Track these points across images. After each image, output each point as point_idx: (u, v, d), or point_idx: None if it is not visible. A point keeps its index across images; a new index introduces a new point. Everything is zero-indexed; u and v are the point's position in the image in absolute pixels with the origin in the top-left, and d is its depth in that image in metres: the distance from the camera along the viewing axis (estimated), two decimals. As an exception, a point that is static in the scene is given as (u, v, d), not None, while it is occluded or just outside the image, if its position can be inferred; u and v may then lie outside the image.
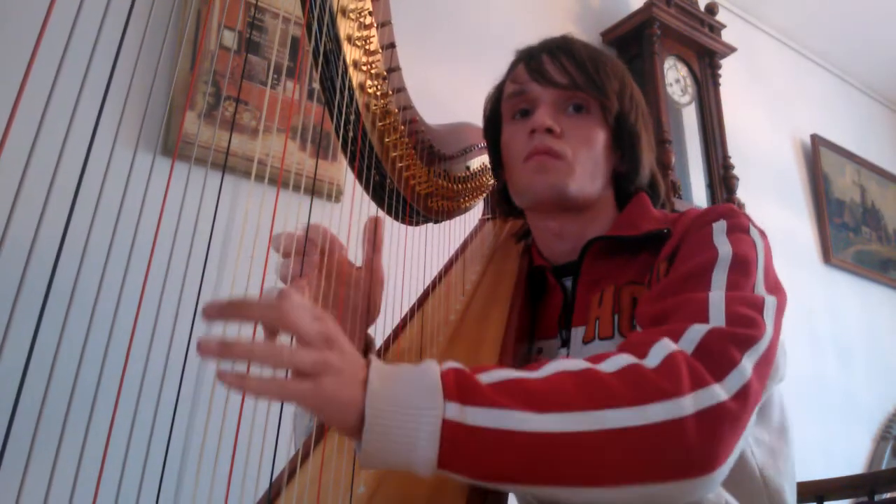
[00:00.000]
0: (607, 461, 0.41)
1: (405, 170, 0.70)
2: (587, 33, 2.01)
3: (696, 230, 0.60)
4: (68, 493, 0.38)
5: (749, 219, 0.61)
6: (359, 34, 0.61)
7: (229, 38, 1.23)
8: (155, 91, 1.13)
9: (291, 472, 0.56)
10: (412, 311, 0.75)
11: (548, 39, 0.72)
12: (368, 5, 0.62)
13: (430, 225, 0.80)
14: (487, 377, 0.44)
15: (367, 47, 0.62)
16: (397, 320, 0.75)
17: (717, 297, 0.51)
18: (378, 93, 0.64)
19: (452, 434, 0.40)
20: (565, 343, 0.66)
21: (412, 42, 1.09)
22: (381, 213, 0.71)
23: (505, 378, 0.44)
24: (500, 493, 0.48)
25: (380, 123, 0.65)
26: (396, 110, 0.67)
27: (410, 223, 0.76)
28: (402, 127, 0.68)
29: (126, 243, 0.46)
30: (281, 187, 0.57)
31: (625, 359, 0.46)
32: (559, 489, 0.42)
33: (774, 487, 0.59)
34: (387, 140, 0.67)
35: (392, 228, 0.73)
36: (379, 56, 0.63)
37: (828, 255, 2.47)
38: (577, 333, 0.65)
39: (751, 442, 0.58)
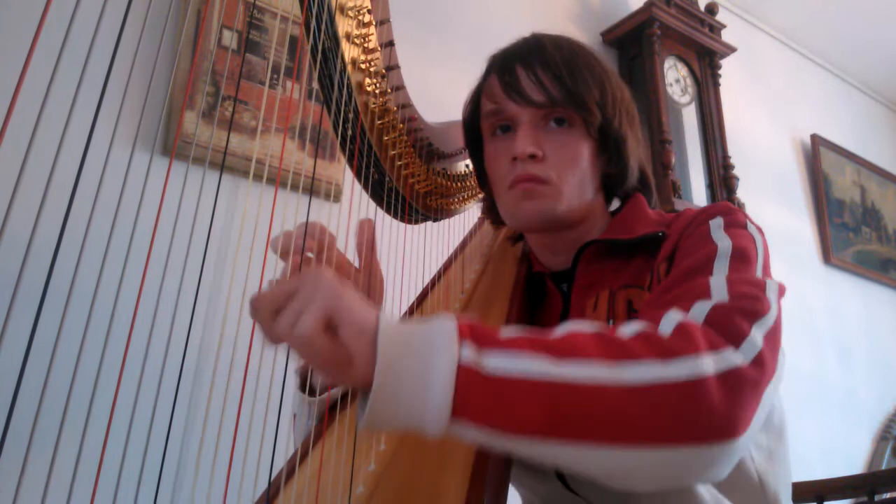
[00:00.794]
0: (628, 417, 0.39)
1: (404, 168, 0.70)
2: (587, 33, 2.01)
3: (694, 228, 0.60)
4: (67, 487, 0.38)
5: (746, 216, 0.61)
6: (357, 32, 0.61)
7: (228, 38, 1.23)
8: (153, 90, 1.12)
9: (290, 471, 0.56)
10: (411, 310, 0.75)
11: (519, 43, 0.69)
12: (367, 3, 0.61)
13: (429, 223, 0.80)
14: (503, 332, 0.42)
15: (365, 45, 0.62)
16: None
17: (718, 280, 0.51)
18: (377, 91, 0.64)
19: (468, 377, 0.38)
20: None
21: (411, 40, 1.09)
22: (381, 212, 0.71)
23: (520, 334, 0.42)
24: (500, 493, 0.48)
25: (378, 121, 0.65)
26: (395, 108, 0.66)
27: (409, 221, 0.76)
28: (401, 125, 0.68)
29: (124, 243, 0.45)
30: (280, 187, 0.57)
31: (638, 325, 0.45)
32: (577, 448, 0.39)
33: (772, 491, 0.58)
34: (385, 138, 0.67)
35: (391, 227, 0.73)
36: (378, 54, 0.63)
37: (828, 255, 2.47)
38: None
39: (750, 446, 0.58)
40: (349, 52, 0.60)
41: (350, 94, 0.61)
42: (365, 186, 0.68)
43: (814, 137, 2.64)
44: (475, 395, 0.38)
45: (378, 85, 0.64)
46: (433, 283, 0.80)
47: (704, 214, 0.61)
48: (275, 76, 1.29)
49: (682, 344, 0.42)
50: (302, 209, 0.58)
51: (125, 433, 0.45)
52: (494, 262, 0.82)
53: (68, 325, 0.41)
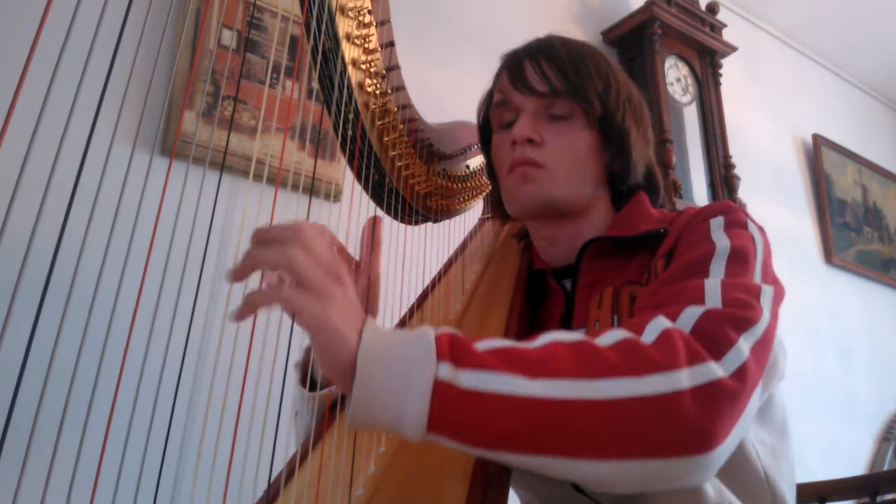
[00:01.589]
0: (600, 432, 0.40)
1: (404, 169, 0.70)
2: (587, 33, 2.01)
3: (694, 226, 0.60)
4: (66, 488, 0.38)
5: (747, 215, 0.61)
6: (358, 32, 0.61)
7: (228, 37, 1.23)
8: (153, 90, 1.12)
9: (290, 472, 0.56)
10: (411, 311, 0.75)
11: (530, 42, 0.71)
12: (367, 4, 0.61)
13: (429, 224, 0.80)
14: (482, 344, 0.43)
15: (366, 46, 0.62)
16: (396, 320, 0.75)
17: (713, 283, 0.50)
18: (377, 91, 0.64)
19: (444, 394, 0.40)
20: None
21: (411, 40, 1.09)
22: (381, 213, 0.71)
23: (499, 346, 0.43)
24: (500, 495, 0.48)
25: (379, 122, 0.65)
26: (395, 109, 0.66)
27: (410, 222, 0.76)
28: (402, 126, 0.67)
29: (124, 242, 0.45)
30: (280, 186, 0.57)
31: (620, 333, 0.45)
32: (550, 459, 0.41)
33: (777, 488, 0.58)
34: (386, 139, 0.67)
35: (391, 228, 0.73)
36: (378, 54, 0.63)
37: (829, 255, 2.47)
38: None
39: (755, 442, 0.58)
40: (349, 52, 0.60)
41: (350, 95, 0.61)
42: (365, 187, 0.68)
43: (815, 137, 2.63)
44: (450, 410, 0.40)
45: (378, 85, 0.64)
46: (433, 283, 0.80)
47: (705, 213, 0.61)
48: (275, 76, 1.29)
49: (661, 356, 0.42)
50: (302, 209, 0.58)
51: (124, 434, 0.45)
52: (496, 261, 0.81)
53: (68, 325, 0.41)
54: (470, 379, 0.40)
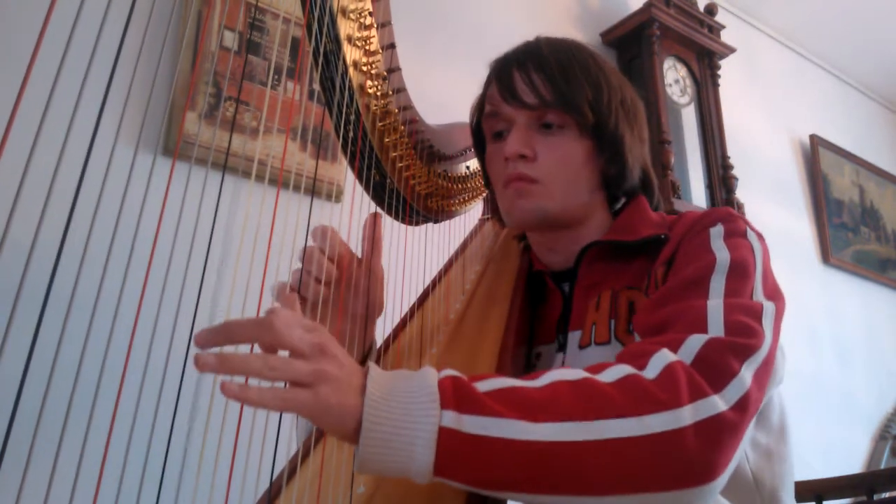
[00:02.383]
0: (605, 471, 0.41)
1: (405, 170, 0.70)
2: (587, 34, 2.02)
3: (694, 235, 0.60)
4: (68, 493, 0.38)
5: (746, 222, 0.61)
6: (359, 34, 0.61)
7: (230, 39, 1.24)
8: (156, 91, 1.13)
9: (291, 471, 0.56)
10: (412, 311, 0.76)
11: (519, 47, 0.70)
12: (369, 6, 0.62)
13: (429, 225, 0.81)
14: (485, 385, 0.44)
15: (367, 48, 0.62)
16: (397, 320, 0.75)
17: (715, 305, 0.51)
18: (378, 93, 0.64)
19: (449, 442, 0.40)
20: (562, 347, 0.66)
21: (412, 42, 1.10)
22: (381, 213, 0.71)
23: (502, 386, 0.44)
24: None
25: (380, 123, 0.65)
26: (396, 110, 0.67)
27: (410, 223, 0.76)
28: (402, 127, 0.68)
29: (127, 243, 0.46)
30: (281, 187, 0.57)
31: (623, 369, 0.46)
32: (556, 498, 0.42)
33: (769, 489, 0.59)
34: (387, 140, 0.67)
35: (392, 228, 0.73)
36: (379, 56, 0.63)
37: (827, 255, 2.48)
38: (574, 338, 0.65)
39: (746, 445, 0.58)
40: (351, 54, 0.61)
41: (351, 96, 0.62)
42: (366, 188, 0.68)
43: (813, 138, 2.64)
44: (455, 455, 0.41)
45: (379, 87, 0.64)
46: (434, 284, 0.80)
47: (705, 221, 0.61)
48: (276, 77, 1.29)
49: (663, 395, 0.43)
50: (303, 210, 0.58)
51: (127, 434, 0.45)
52: (496, 262, 0.82)
53: (71, 325, 0.41)
54: (474, 425, 0.41)
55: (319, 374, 0.40)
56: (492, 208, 0.82)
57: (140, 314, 0.46)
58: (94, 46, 0.37)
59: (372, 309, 0.69)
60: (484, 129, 0.73)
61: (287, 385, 0.40)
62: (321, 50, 0.58)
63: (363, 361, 0.69)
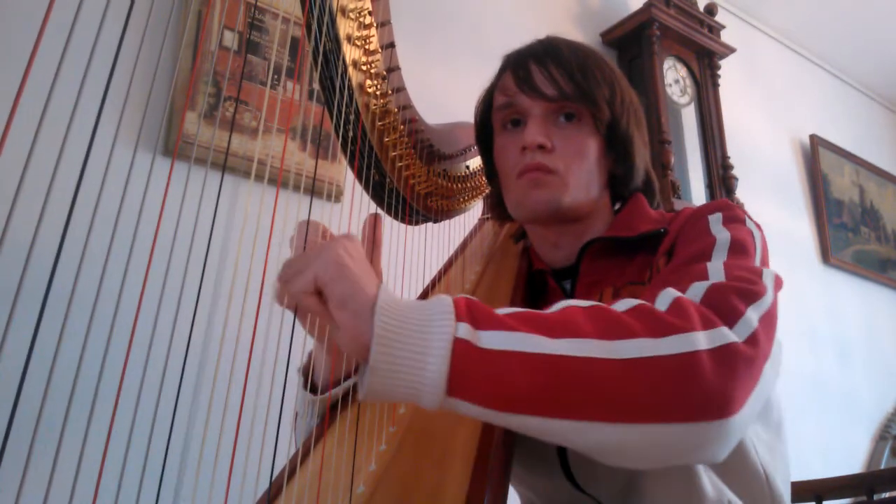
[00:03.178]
0: (621, 392, 0.39)
1: (405, 169, 0.70)
2: (587, 34, 2.02)
3: (693, 223, 0.60)
4: (68, 493, 0.38)
5: (745, 212, 0.61)
6: (358, 34, 0.61)
7: (229, 39, 1.23)
8: (155, 91, 1.13)
9: (291, 471, 0.56)
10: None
11: (534, 43, 0.71)
12: (368, 5, 0.62)
13: (429, 224, 0.81)
14: (500, 311, 0.43)
15: (366, 47, 0.62)
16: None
17: (716, 264, 0.51)
18: (378, 92, 0.64)
19: (463, 353, 0.39)
20: None
21: (412, 42, 1.10)
22: (381, 213, 0.71)
23: (517, 310, 0.43)
24: (500, 493, 0.48)
25: (379, 123, 0.65)
26: (396, 110, 0.67)
27: (410, 222, 0.76)
28: (402, 126, 0.68)
29: (126, 243, 0.46)
30: (281, 187, 0.57)
31: (634, 301, 0.45)
32: (570, 423, 0.40)
33: (776, 485, 0.59)
34: (386, 139, 0.67)
35: (392, 228, 0.73)
36: (378, 56, 0.63)
37: (827, 255, 2.48)
38: None
39: (753, 439, 0.58)
40: (350, 53, 0.61)
41: (351, 96, 0.61)
42: (366, 187, 0.68)
43: (812, 138, 2.64)
44: (470, 370, 0.39)
45: (379, 86, 0.64)
46: (433, 283, 0.80)
47: (704, 210, 0.61)
48: (276, 77, 1.29)
49: (676, 319, 0.42)
50: (303, 210, 0.58)
51: (127, 434, 0.45)
52: (495, 261, 0.82)
53: (70, 326, 0.41)
54: (490, 338, 0.40)
55: (348, 258, 0.42)
56: (492, 204, 0.82)
57: (140, 314, 0.46)
58: (94, 46, 0.37)
59: None
60: (493, 120, 0.73)
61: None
62: (321, 49, 0.58)
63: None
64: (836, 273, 2.52)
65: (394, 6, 0.65)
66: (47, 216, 0.36)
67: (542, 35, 0.74)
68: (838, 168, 2.70)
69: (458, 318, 0.40)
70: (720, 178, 2.02)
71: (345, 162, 0.67)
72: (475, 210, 0.90)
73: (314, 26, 0.57)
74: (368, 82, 0.63)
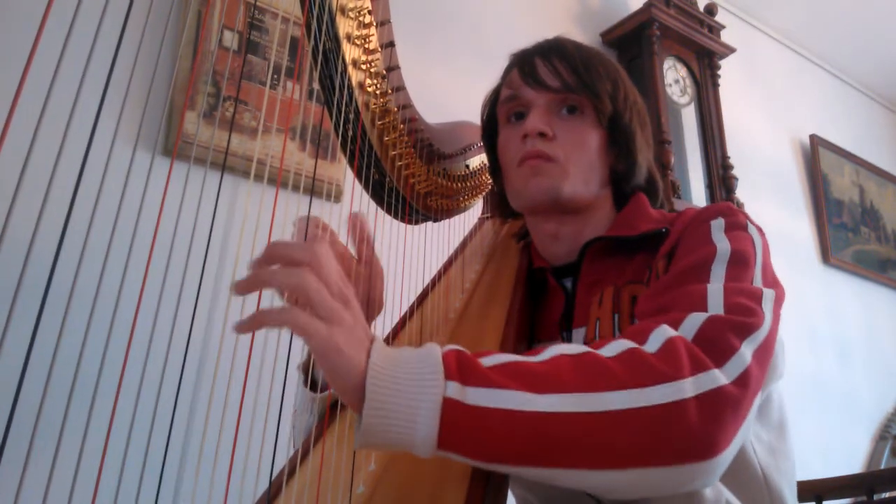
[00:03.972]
0: (607, 443, 0.41)
1: (404, 168, 0.70)
2: (587, 34, 2.02)
3: (695, 228, 0.60)
4: (68, 491, 0.38)
5: (747, 216, 0.61)
6: (358, 33, 0.61)
7: (229, 38, 1.23)
8: (154, 91, 1.13)
9: (291, 471, 0.56)
10: (411, 310, 0.75)
11: (541, 42, 0.72)
12: (368, 4, 0.62)
13: (429, 224, 0.80)
14: (488, 360, 0.44)
15: (366, 46, 0.62)
16: (396, 319, 0.75)
17: (715, 288, 0.51)
18: (377, 91, 0.64)
19: (452, 412, 0.40)
20: None
21: (412, 41, 1.10)
22: (381, 212, 0.71)
23: (505, 361, 0.44)
24: (500, 493, 0.48)
25: (379, 122, 0.65)
26: (396, 109, 0.67)
27: (410, 222, 0.76)
28: (402, 125, 0.68)
29: (125, 242, 0.46)
30: (280, 187, 0.57)
31: (624, 343, 0.46)
32: (558, 471, 0.42)
33: (775, 487, 0.59)
34: (386, 139, 0.67)
35: (391, 227, 0.73)
36: (378, 55, 0.63)
37: (827, 255, 2.48)
38: (578, 335, 0.65)
39: (752, 440, 0.58)
40: (350, 52, 0.61)
41: (351, 95, 0.61)
42: (365, 187, 0.68)
43: (812, 138, 2.64)
44: (459, 430, 0.41)
45: (379, 86, 0.64)
46: (433, 283, 0.80)
47: (705, 214, 0.61)
48: (275, 77, 1.29)
49: (665, 367, 0.43)
50: (303, 209, 0.58)
51: (126, 433, 0.45)
52: (496, 260, 0.82)
53: (70, 324, 0.41)
54: (477, 396, 0.41)
55: (339, 316, 0.40)
56: (494, 202, 0.82)
57: (139, 312, 0.46)
58: (93, 45, 0.37)
59: (371, 308, 0.69)
60: (498, 114, 0.74)
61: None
62: (320, 48, 0.58)
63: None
64: (836, 273, 2.52)
65: (394, 6, 0.65)
66: (47, 215, 0.36)
67: (542, 35, 0.75)
68: (838, 168, 2.70)
69: (448, 377, 0.41)
70: (720, 178, 2.02)
71: (344, 161, 0.67)
72: (475, 209, 0.90)
73: (314, 25, 0.57)
74: (368, 81, 0.63)
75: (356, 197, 0.69)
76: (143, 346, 0.49)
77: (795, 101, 2.70)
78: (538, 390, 0.41)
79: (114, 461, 0.43)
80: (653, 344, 0.45)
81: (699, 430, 0.41)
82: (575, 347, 0.46)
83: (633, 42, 2.01)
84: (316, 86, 0.61)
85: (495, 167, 0.76)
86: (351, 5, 0.60)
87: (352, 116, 0.62)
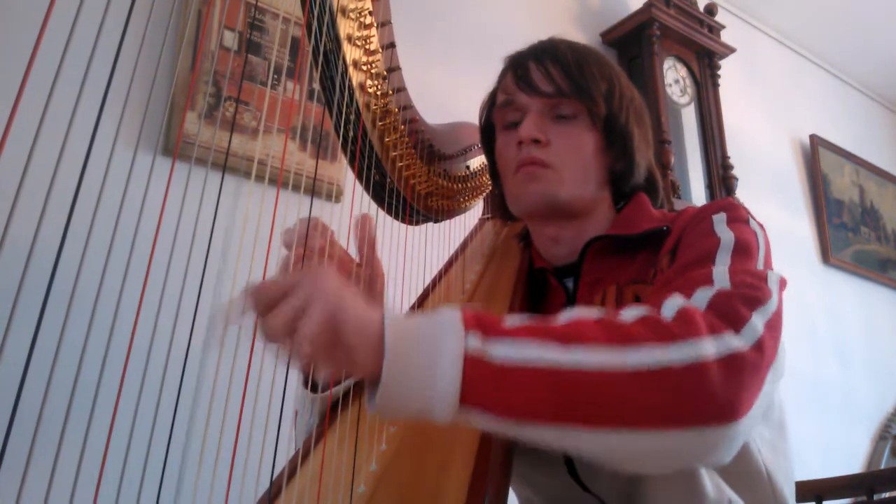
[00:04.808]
0: (632, 401, 0.40)
1: (405, 169, 0.70)
2: (587, 34, 2.02)
3: (697, 223, 0.60)
4: (69, 493, 0.38)
5: (748, 212, 0.61)
6: (359, 34, 0.61)
7: (230, 39, 1.24)
8: (155, 91, 1.13)
9: (292, 471, 0.56)
10: (412, 311, 0.75)
11: (535, 44, 0.72)
12: (368, 5, 0.62)
13: (429, 224, 0.81)
14: (507, 321, 0.43)
15: (367, 47, 0.62)
16: (397, 320, 0.75)
17: (720, 269, 0.52)
18: (378, 92, 0.64)
19: (474, 365, 0.39)
20: None
21: (412, 42, 1.10)
22: (382, 213, 0.71)
23: (524, 321, 0.44)
24: (500, 494, 0.48)
25: (380, 123, 0.65)
26: (396, 110, 0.67)
27: (410, 223, 0.76)
28: (402, 126, 0.68)
29: (126, 243, 0.46)
30: (281, 187, 0.57)
31: (640, 310, 0.46)
32: (581, 432, 0.40)
33: (778, 485, 0.59)
34: (387, 139, 0.67)
35: (392, 228, 0.73)
36: (379, 56, 0.63)
37: (827, 255, 2.48)
38: None
39: (756, 438, 0.58)
40: (350, 53, 0.61)
41: (351, 96, 0.62)
42: (366, 187, 0.68)
43: (812, 138, 2.64)
44: (482, 383, 0.39)
45: (379, 86, 0.64)
46: (434, 283, 0.80)
47: (708, 210, 0.61)
48: (276, 77, 1.29)
49: (683, 328, 0.43)
50: (303, 209, 0.58)
51: (127, 434, 0.45)
52: (496, 261, 0.82)
53: (71, 324, 0.41)
54: (500, 348, 0.40)
55: (341, 295, 0.39)
56: (494, 203, 0.82)
57: (140, 314, 0.46)
58: (94, 46, 0.37)
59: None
60: (495, 120, 0.74)
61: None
62: (321, 49, 0.58)
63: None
64: (836, 273, 2.52)
65: (394, 6, 0.65)
66: (48, 216, 0.36)
67: (542, 35, 0.74)
68: (838, 168, 2.70)
69: (468, 328, 0.40)
70: (720, 178, 2.02)
71: (345, 162, 0.67)
72: (475, 210, 0.90)
73: (314, 26, 0.57)
74: (369, 82, 0.63)
75: (357, 197, 0.69)
76: (145, 348, 0.49)
77: (795, 101, 2.70)
78: (562, 343, 0.41)
79: (115, 461, 0.43)
80: (668, 311, 0.45)
81: (721, 391, 0.41)
82: (591, 312, 0.46)
83: (633, 42, 2.01)
84: (316, 86, 0.61)
85: (495, 171, 0.76)
86: (352, 6, 0.60)
87: (352, 117, 0.62)
